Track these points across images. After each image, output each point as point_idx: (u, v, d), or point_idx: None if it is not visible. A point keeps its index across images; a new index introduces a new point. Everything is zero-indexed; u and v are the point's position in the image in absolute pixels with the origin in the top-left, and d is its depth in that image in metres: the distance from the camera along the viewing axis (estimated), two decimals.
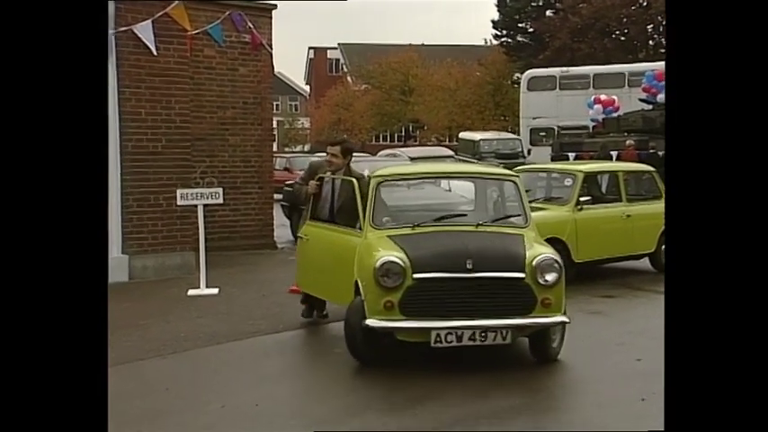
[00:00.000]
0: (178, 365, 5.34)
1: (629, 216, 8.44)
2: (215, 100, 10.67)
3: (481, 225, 5.35)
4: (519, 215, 5.60)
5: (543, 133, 23.50)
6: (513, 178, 5.85)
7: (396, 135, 43.39)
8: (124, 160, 8.34)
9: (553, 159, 17.59)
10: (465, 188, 14.26)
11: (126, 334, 6.10)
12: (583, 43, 31.64)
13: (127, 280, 8.25)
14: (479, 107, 35.90)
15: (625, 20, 32.26)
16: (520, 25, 35.94)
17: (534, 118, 24.14)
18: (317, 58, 53.73)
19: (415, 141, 39.14)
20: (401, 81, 39.95)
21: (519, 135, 24.58)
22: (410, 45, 41.57)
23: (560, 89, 24.04)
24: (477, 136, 23.62)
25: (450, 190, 12.02)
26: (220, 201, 8.03)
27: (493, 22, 36.30)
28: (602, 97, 19.81)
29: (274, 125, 13.99)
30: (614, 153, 16.28)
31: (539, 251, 4.98)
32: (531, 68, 27.40)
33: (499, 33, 36.52)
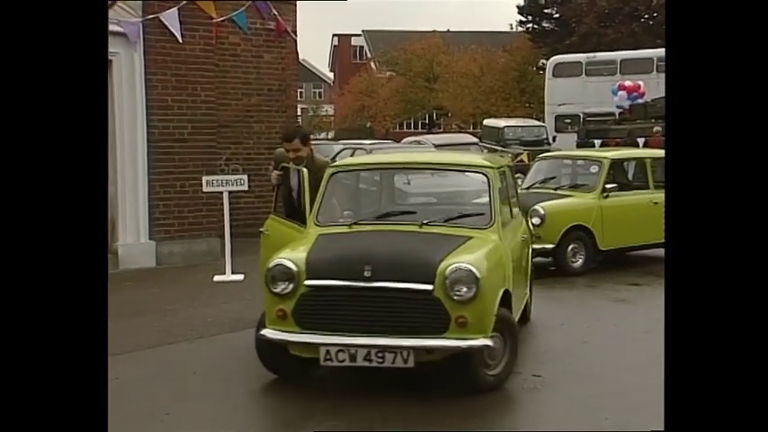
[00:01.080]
0: (205, 350, 5.42)
1: (656, 203, 8.35)
2: (240, 87, 10.72)
3: (427, 225, 4.60)
4: (481, 214, 4.77)
5: (568, 120, 23.26)
6: (484, 170, 4.97)
7: (420, 122, 43.24)
8: (151, 147, 8.43)
9: (578, 146, 17.43)
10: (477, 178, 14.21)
11: (155, 318, 6.20)
12: (610, 28, 31.23)
13: (154, 265, 8.37)
14: (504, 94, 35.64)
15: (654, 3, 31.74)
16: (546, 11, 35.54)
17: (559, 105, 23.89)
18: (342, 45, 53.66)
19: (440, 129, 38.99)
20: (425, 68, 39.77)
21: (544, 122, 24.35)
22: (435, 31, 41.34)
23: (586, 75, 23.76)
24: (501, 123, 23.45)
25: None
26: (245, 187, 8.08)
27: (518, 7, 35.96)
28: (627, 83, 19.50)
29: (298, 112, 14.01)
30: (641, 140, 16.08)
31: (459, 259, 4.10)
32: (556, 54, 27.09)
33: (524, 19, 36.16)
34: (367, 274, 4.05)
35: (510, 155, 18.77)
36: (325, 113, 49.44)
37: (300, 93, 37.43)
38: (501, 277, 4.42)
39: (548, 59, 27.66)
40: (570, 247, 8.16)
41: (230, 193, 7.96)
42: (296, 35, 11.20)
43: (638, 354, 5.23)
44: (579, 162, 9.46)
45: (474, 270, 4.04)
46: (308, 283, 4.13)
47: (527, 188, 9.32)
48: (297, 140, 5.65)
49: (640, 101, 19.01)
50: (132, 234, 8.40)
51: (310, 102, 49.17)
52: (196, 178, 8.34)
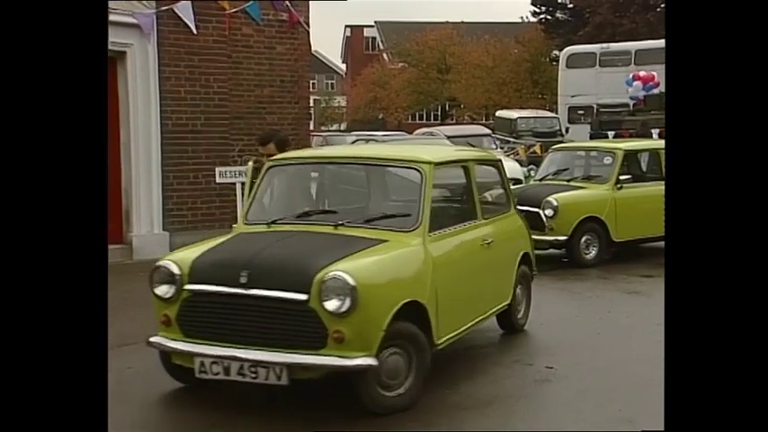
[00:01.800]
0: None
1: None
2: (253, 78, 10.72)
3: (343, 226, 4.21)
4: (407, 215, 4.30)
5: (582, 111, 23.12)
6: (418, 167, 4.42)
7: (432, 113, 43.14)
8: (164, 138, 8.47)
9: (592, 138, 17.33)
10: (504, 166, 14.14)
11: None
12: (624, 18, 30.96)
13: None
14: (517, 85, 35.47)
15: None
16: (559, 1, 35.29)
17: (573, 96, 23.74)
18: (354, 36, 53.54)
19: (452, 120, 38.90)
20: (438, 59, 39.62)
21: (557, 113, 24.24)
22: (447, 22, 41.16)
23: (600, 66, 23.59)
24: (514, 114, 23.36)
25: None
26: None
27: None
28: (641, 73, 19.33)
29: (311, 104, 14.02)
30: (656, 131, 15.97)
31: (339, 267, 3.67)
32: (570, 45, 26.92)
33: (538, 10, 35.92)
34: (243, 280, 3.70)
35: (522, 146, 18.70)
36: (338, 105, 49.41)
37: (313, 84, 37.46)
38: (400, 287, 3.91)
39: (561, 50, 27.48)
40: (583, 238, 8.14)
41: (243, 184, 7.98)
42: (308, 26, 11.18)
43: (652, 346, 5.21)
44: (592, 153, 9.41)
45: (349, 279, 3.59)
46: (188, 287, 3.86)
47: (540, 180, 9.30)
48: (272, 144, 5.43)
49: (655, 91, 18.85)
50: (146, 225, 8.46)
51: (323, 93, 49.16)
52: (209, 169, 8.37)
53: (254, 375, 3.70)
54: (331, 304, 3.60)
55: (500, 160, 5.79)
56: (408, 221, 4.26)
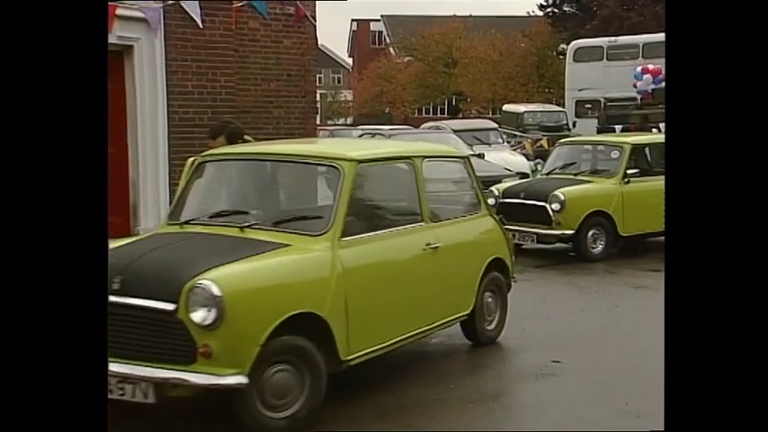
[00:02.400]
0: None
1: None
2: (259, 72, 10.71)
3: (250, 228, 3.93)
4: (319, 217, 4.01)
5: (589, 105, 23.02)
6: (337, 164, 4.09)
7: (439, 108, 43.06)
8: (171, 132, 8.48)
9: (599, 132, 17.27)
10: (510, 160, 14.11)
11: None
12: (632, 11, 30.80)
13: None
14: (523, 79, 35.36)
15: None
16: None
17: (580, 90, 23.65)
18: (360, 30, 53.46)
19: (461, 115, 38.84)
20: (444, 53, 39.53)
21: (564, 107, 24.16)
22: (454, 16, 41.05)
23: (608, 60, 23.48)
24: (520, 108, 23.30)
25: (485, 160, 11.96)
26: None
27: None
28: (651, 67, 19.23)
29: (318, 98, 14.02)
30: (663, 125, 15.90)
31: (210, 275, 3.36)
32: (577, 39, 26.81)
33: (545, 3, 35.77)
34: (115, 286, 3.39)
35: (529, 140, 18.66)
36: (344, 99, 49.37)
37: (319, 78, 37.40)
38: (286, 297, 3.55)
39: (568, 44, 27.36)
40: (590, 232, 8.12)
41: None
42: (315, 20, 11.18)
43: (659, 340, 5.19)
44: (600, 147, 9.39)
45: (214, 289, 3.28)
46: None
47: (547, 174, 9.28)
48: (222, 138, 5.16)
49: (664, 84, 18.74)
50: (153, 218, 8.47)
51: (329, 87, 49.13)
52: None
53: (120, 391, 3.38)
54: (197, 315, 3.29)
55: (467, 157, 5.32)
56: (319, 224, 3.91)
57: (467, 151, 5.35)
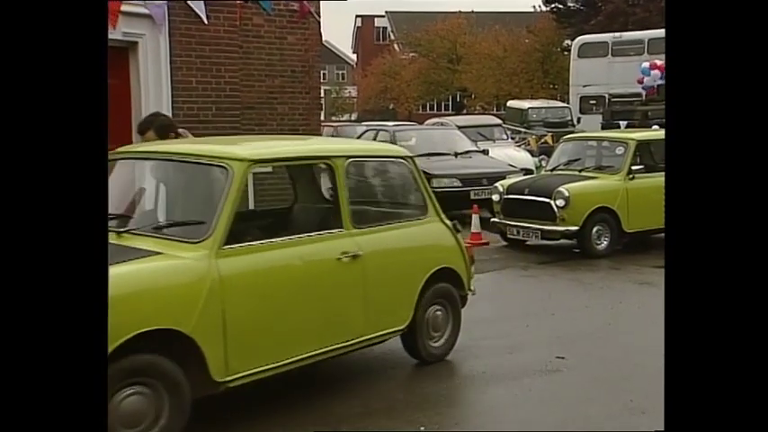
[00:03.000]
0: None
1: None
2: (263, 68, 10.73)
3: (128, 233, 3.65)
4: (201, 223, 3.57)
5: (593, 101, 22.98)
6: (226, 164, 3.71)
7: (443, 104, 43.01)
8: None
9: (604, 128, 17.24)
10: (515, 156, 14.09)
11: None
12: (637, 7, 30.68)
13: None
14: (528, 75, 35.29)
15: None
16: None
17: (584, 86, 23.60)
18: (365, 26, 53.40)
19: (463, 110, 38.80)
20: (449, 49, 39.47)
21: (568, 103, 24.11)
22: (458, 12, 40.98)
23: (612, 55, 23.43)
24: (525, 104, 23.27)
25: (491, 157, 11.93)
26: (269, 169, 8.12)
27: None
28: (658, 62, 19.19)
29: (322, 94, 14.02)
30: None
31: None
32: (581, 35, 26.74)
33: None
34: None
35: (533, 136, 18.63)
36: (348, 95, 49.35)
37: (324, 74, 37.39)
38: (134, 311, 3.15)
39: (573, 40, 27.29)
40: (595, 229, 8.11)
41: (254, 174, 8.00)
42: (319, 16, 11.18)
43: (663, 337, 5.19)
44: (604, 143, 9.38)
45: None
46: None
47: (551, 170, 9.27)
48: (151, 132, 4.86)
49: (664, 82, 18.67)
50: (160, 215, 8.48)
51: (333, 83, 49.11)
52: None
53: None
54: None
55: (410, 157, 4.78)
56: (199, 231, 3.51)
57: (405, 151, 4.91)
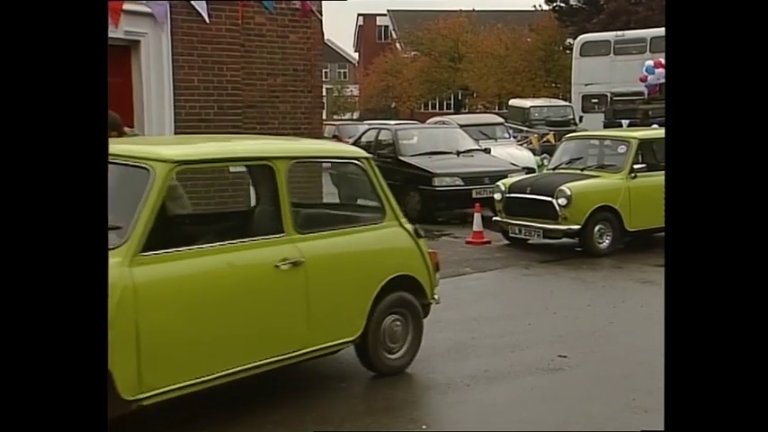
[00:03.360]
0: None
1: None
2: (265, 67, 10.73)
3: None
4: (117, 227, 3.24)
5: (596, 100, 22.97)
6: (147, 164, 3.49)
7: (445, 102, 43.00)
8: (177, 127, 8.49)
9: (606, 126, 17.23)
10: (517, 155, 14.07)
11: None
12: (640, 5, 30.64)
13: None
14: (530, 74, 35.26)
15: None
16: None
17: (586, 84, 23.59)
18: (367, 25, 53.39)
19: (465, 109, 38.78)
20: (450, 47, 39.45)
21: (570, 102, 24.09)
22: (460, 11, 40.96)
23: (614, 54, 23.40)
24: (527, 103, 23.25)
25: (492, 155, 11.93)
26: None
27: None
28: (663, 61, 19.17)
29: (324, 93, 14.02)
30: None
31: None
32: (584, 33, 26.72)
33: None
34: None
35: (536, 135, 18.62)
36: (350, 94, 49.35)
37: (325, 73, 37.37)
38: None
39: (575, 38, 27.27)
40: (597, 227, 8.11)
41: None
42: (321, 15, 11.18)
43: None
44: (606, 142, 9.37)
45: None
46: None
47: (553, 169, 9.26)
48: None
49: None
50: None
51: (335, 82, 49.11)
52: None
53: None
54: None
55: (366, 158, 4.46)
56: (114, 237, 3.19)
57: (361, 151, 4.59)
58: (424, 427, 3.70)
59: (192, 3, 8.46)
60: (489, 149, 12.21)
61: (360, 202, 4.63)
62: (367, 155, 4.49)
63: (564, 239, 8.33)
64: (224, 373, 3.56)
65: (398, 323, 4.36)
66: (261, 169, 4.10)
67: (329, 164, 4.54)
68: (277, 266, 3.74)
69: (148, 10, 8.11)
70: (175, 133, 8.48)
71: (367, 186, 4.44)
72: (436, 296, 4.58)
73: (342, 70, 54.01)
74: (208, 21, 8.52)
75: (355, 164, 4.46)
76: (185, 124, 8.52)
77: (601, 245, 8.14)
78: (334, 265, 4.04)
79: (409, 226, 4.48)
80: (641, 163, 8.42)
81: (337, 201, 4.77)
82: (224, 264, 3.58)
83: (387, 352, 4.32)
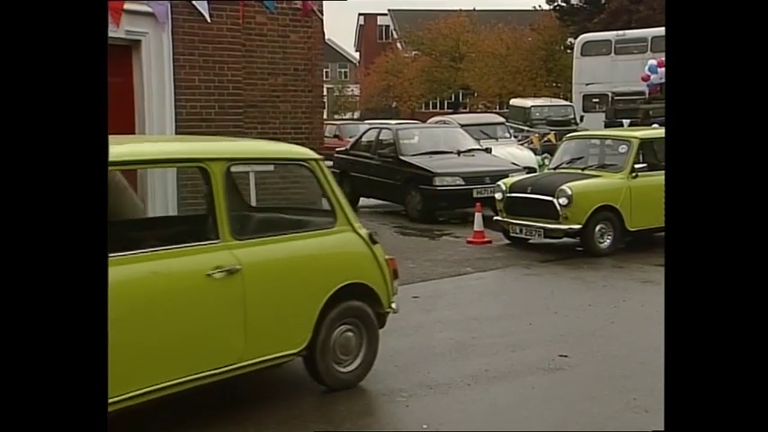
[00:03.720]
0: None
1: None
2: (266, 67, 10.74)
3: None
4: None
5: (596, 99, 22.98)
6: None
7: (446, 102, 43.00)
8: (178, 127, 8.49)
9: (607, 126, 17.23)
10: (517, 155, 14.06)
11: None
12: (641, 4, 30.63)
13: None
14: (531, 73, 35.26)
15: None
16: None
17: (587, 84, 23.60)
18: (367, 24, 53.40)
19: (465, 108, 38.78)
20: (451, 47, 39.45)
21: (571, 101, 24.09)
22: (461, 10, 40.96)
23: (615, 54, 23.41)
24: (528, 102, 23.25)
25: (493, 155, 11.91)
26: (272, 168, 8.13)
27: None
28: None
29: (324, 92, 14.02)
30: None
31: None
32: (585, 33, 26.72)
33: None
34: None
35: (536, 135, 18.63)
36: (351, 93, 49.36)
37: (326, 73, 37.40)
38: None
39: (576, 38, 27.27)
40: (598, 227, 8.10)
41: (256, 173, 8.01)
42: (322, 15, 11.19)
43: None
44: (607, 142, 9.36)
45: None
46: None
47: (554, 168, 9.26)
48: None
49: None
50: (161, 212, 8.50)
51: (336, 82, 49.12)
52: None
53: None
54: None
55: (315, 159, 4.20)
56: None
57: (309, 153, 4.38)
58: (425, 426, 3.71)
59: (194, 2, 8.47)
60: (490, 149, 12.21)
61: (312, 206, 4.42)
62: (316, 156, 4.23)
63: (565, 239, 8.33)
64: (149, 389, 3.33)
65: (350, 334, 4.12)
66: (195, 172, 3.76)
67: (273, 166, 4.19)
68: (209, 275, 3.51)
69: (149, 10, 8.12)
70: (176, 133, 8.50)
71: (315, 189, 4.22)
72: (394, 305, 4.33)
73: (343, 70, 54.01)
74: (209, 20, 8.53)
75: (303, 165, 4.19)
76: (186, 124, 8.53)
77: (602, 244, 8.14)
78: (275, 273, 3.80)
79: (364, 231, 4.24)
80: (642, 162, 8.42)
81: (294, 204, 4.53)
82: (147, 272, 3.35)
83: (337, 364, 4.07)
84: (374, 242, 4.25)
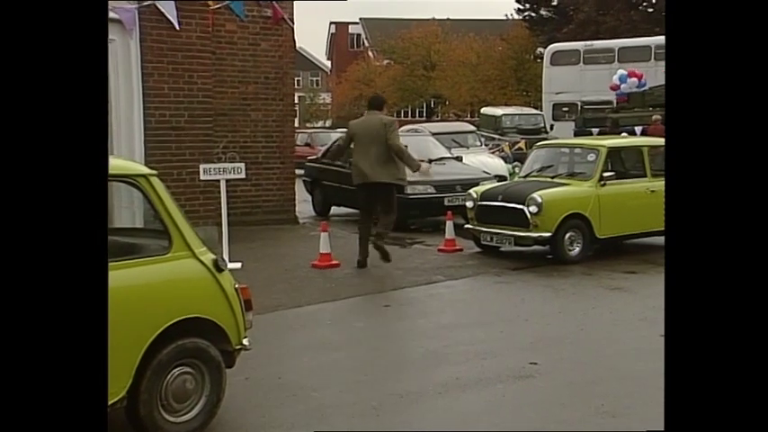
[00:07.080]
0: None
1: (653, 191, 8.37)
2: (237, 75, 10.70)
3: None
4: None
5: (566, 108, 23.25)
6: None
7: (417, 111, 43.16)
8: (147, 136, 8.40)
9: (576, 135, 17.42)
10: (488, 163, 14.14)
11: None
12: (608, 16, 31.11)
13: None
14: (501, 82, 35.57)
15: None
16: None
17: (557, 93, 23.88)
18: (339, 33, 53.46)
19: (437, 117, 38.95)
20: (423, 56, 39.66)
21: (541, 110, 24.34)
22: (432, 20, 41.22)
23: (584, 63, 23.73)
24: (498, 111, 23.43)
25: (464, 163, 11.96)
26: (243, 176, 8.08)
27: None
28: (637, 71, 19.63)
29: (296, 100, 13.98)
30: (639, 128, 16.09)
31: None
32: (554, 43, 27.05)
33: (522, 7, 36.02)
34: None
35: (507, 143, 18.77)
36: (323, 102, 49.33)
37: (297, 81, 37.31)
38: None
39: (545, 48, 27.58)
40: (567, 235, 8.17)
41: (227, 181, 7.95)
42: (293, 23, 11.17)
43: (634, 341, 5.25)
44: (576, 150, 9.47)
45: None
46: None
47: (524, 176, 9.33)
48: None
49: (638, 89, 19.05)
50: (128, 222, 8.40)
51: (307, 90, 49.06)
52: (193, 167, 8.32)
53: None
54: None
55: (144, 175, 3.60)
56: None
57: (139, 168, 3.81)
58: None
59: (162, 9, 8.39)
60: (461, 157, 12.27)
61: (146, 227, 3.77)
62: (147, 172, 3.62)
63: (535, 247, 8.39)
64: None
65: (187, 377, 3.53)
66: None
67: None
68: None
69: (116, 16, 8.02)
70: (144, 142, 8.40)
71: (146, 211, 3.60)
72: (245, 341, 3.75)
73: (314, 78, 53.98)
74: (178, 27, 8.46)
75: (129, 183, 3.56)
76: (155, 132, 8.44)
77: (571, 252, 8.21)
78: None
79: (208, 257, 3.65)
80: (610, 171, 8.52)
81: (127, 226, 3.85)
82: None
83: (170, 413, 3.48)
84: (220, 270, 3.65)
